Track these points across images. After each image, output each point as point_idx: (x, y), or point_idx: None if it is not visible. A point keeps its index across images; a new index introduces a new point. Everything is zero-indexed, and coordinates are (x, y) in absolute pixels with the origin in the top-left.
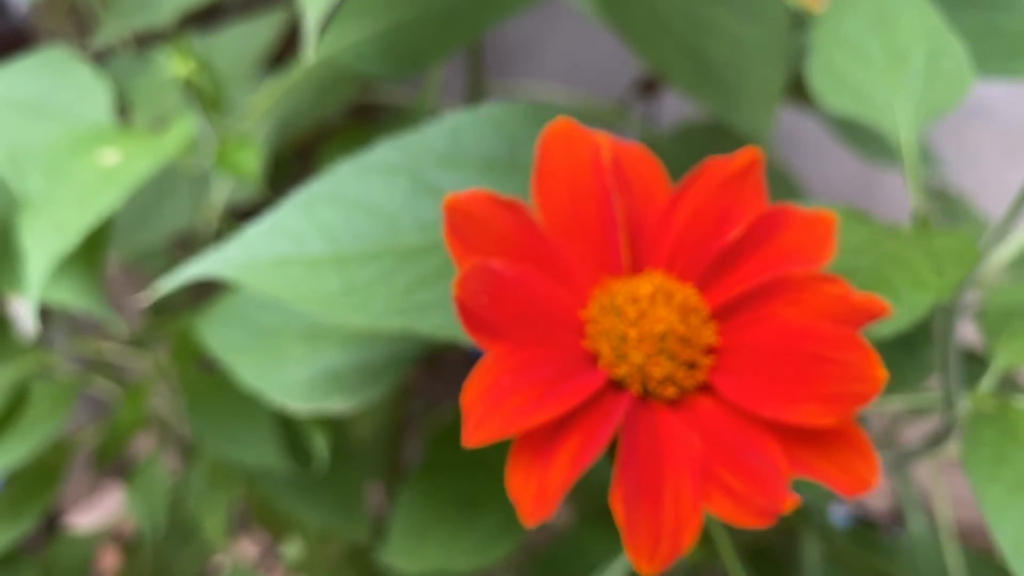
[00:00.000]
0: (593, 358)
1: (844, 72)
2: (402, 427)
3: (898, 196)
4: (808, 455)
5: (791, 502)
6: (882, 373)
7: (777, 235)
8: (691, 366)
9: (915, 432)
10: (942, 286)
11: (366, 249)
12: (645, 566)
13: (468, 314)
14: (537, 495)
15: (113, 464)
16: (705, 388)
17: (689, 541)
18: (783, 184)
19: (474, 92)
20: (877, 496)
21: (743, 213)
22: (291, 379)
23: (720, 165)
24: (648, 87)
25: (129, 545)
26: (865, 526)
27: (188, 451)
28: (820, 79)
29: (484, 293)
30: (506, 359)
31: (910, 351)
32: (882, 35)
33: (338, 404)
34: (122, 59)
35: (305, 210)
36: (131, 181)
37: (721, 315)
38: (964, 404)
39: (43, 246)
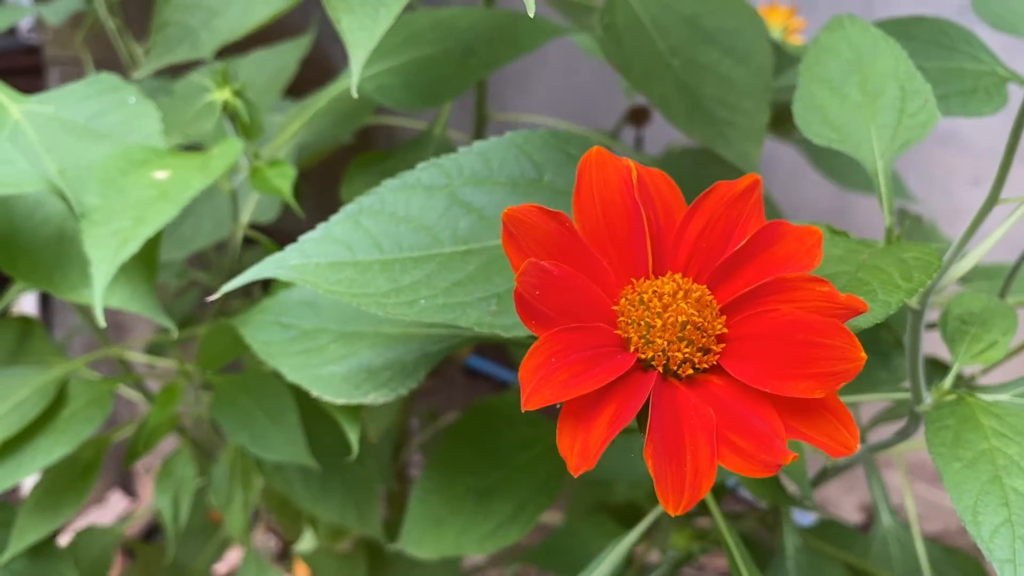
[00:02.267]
0: (623, 343)
1: (825, 107)
2: (404, 434)
3: (869, 217)
4: (801, 423)
5: (790, 457)
6: (862, 354)
7: (774, 245)
8: (705, 351)
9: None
10: (911, 288)
11: (409, 255)
12: (671, 509)
13: (524, 304)
14: (581, 451)
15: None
16: (716, 369)
17: (706, 489)
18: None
19: (478, 120)
20: (851, 510)
21: (746, 226)
22: (329, 375)
23: (727, 187)
24: (638, 115)
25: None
26: (839, 524)
27: (204, 452)
28: (803, 113)
29: (537, 287)
30: (554, 342)
31: (885, 362)
32: (859, 75)
33: (372, 398)
34: (141, 82)
35: (354, 221)
36: (184, 198)
37: (729, 310)
38: (929, 399)
39: (105, 255)
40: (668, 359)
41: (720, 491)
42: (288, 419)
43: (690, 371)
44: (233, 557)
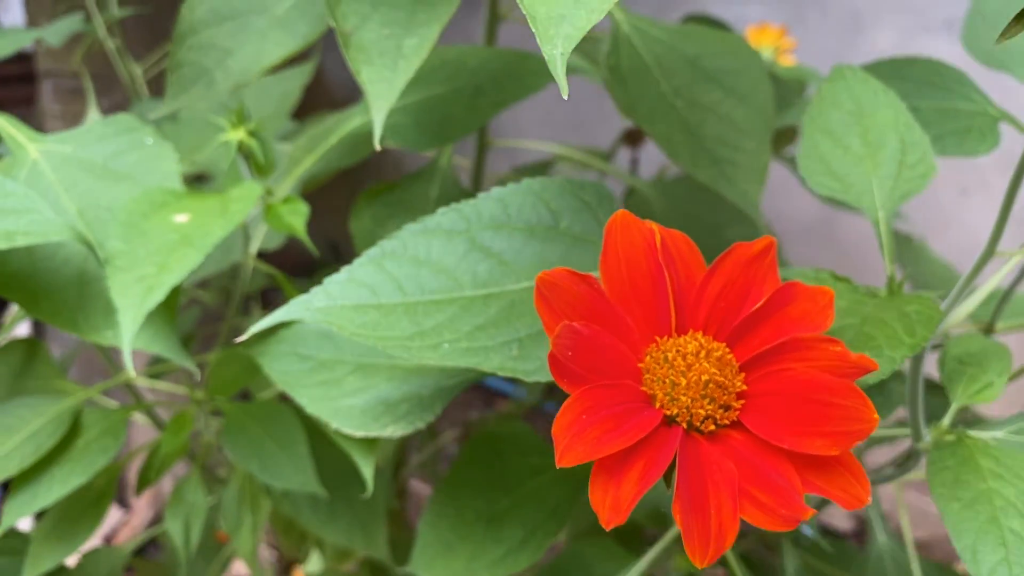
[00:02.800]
0: (649, 399)
1: (828, 158)
2: (403, 452)
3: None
4: (818, 477)
5: (808, 513)
6: (875, 415)
7: (788, 304)
8: (726, 407)
9: (878, 456)
10: (914, 343)
11: (431, 298)
12: (699, 562)
13: (557, 364)
14: (613, 506)
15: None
16: (736, 424)
17: (730, 542)
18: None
19: (480, 147)
20: (841, 518)
21: (762, 285)
22: (348, 407)
23: (744, 248)
24: (633, 136)
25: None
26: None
27: (211, 473)
28: (807, 164)
29: (569, 348)
30: (585, 399)
31: (880, 387)
32: (860, 127)
33: (391, 431)
34: (144, 102)
35: (377, 265)
36: (207, 244)
37: (747, 367)
38: (928, 436)
39: (131, 303)
40: (692, 415)
41: None
42: (297, 447)
43: (712, 427)
44: (236, 571)
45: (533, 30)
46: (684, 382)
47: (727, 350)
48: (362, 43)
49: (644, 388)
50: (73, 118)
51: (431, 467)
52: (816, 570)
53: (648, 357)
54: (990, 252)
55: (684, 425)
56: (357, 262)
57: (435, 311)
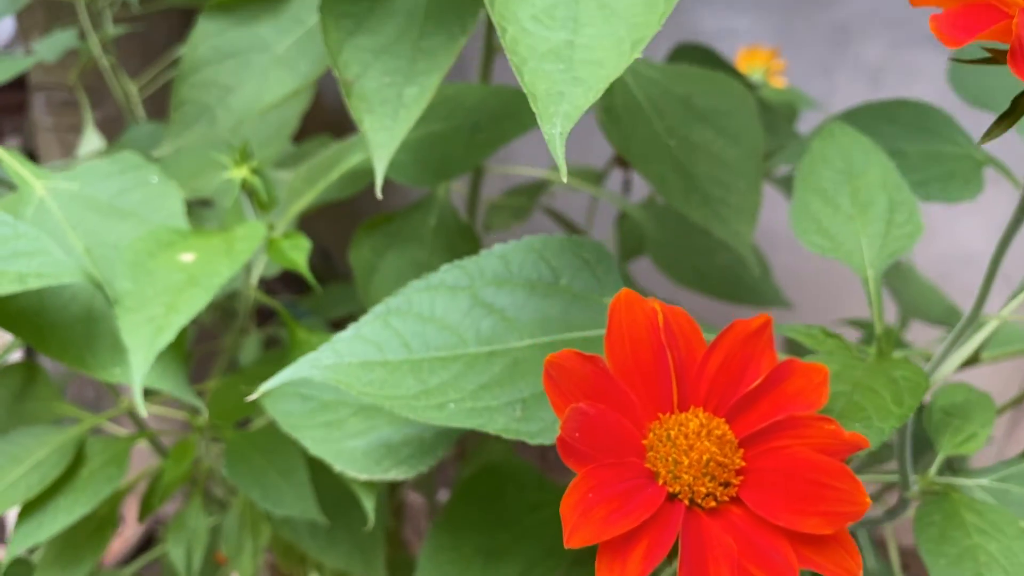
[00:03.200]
0: (652, 476)
1: (819, 216)
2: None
3: None
4: (811, 553)
5: None
6: (867, 499)
7: (785, 381)
8: (725, 484)
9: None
10: (902, 414)
11: (436, 355)
12: None
13: (565, 447)
14: None
15: None
16: (735, 500)
17: None
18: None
19: (475, 174)
20: None
21: (759, 361)
22: (350, 450)
23: (742, 325)
24: (625, 159)
25: None
26: None
27: (214, 505)
28: (799, 222)
29: (576, 430)
30: (591, 478)
31: None
32: (850, 186)
33: (393, 474)
34: (140, 127)
35: (383, 321)
36: (214, 285)
37: (746, 443)
38: (916, 485)
39: (141, 343)
40: (693, 493)
41: None
42: (298, 475)
43: (713, 503)
44: None
45: (533, 108)
46: (686, 461)
47: (727, 428)
48: (364, 92)
49: (648, 465)
50: (66, 130)
51: (427, 481)
52: None
53: (652, 434)
54: (974, 317)
55: (686, 501)
56: (363, 319)
57: (440, 368)
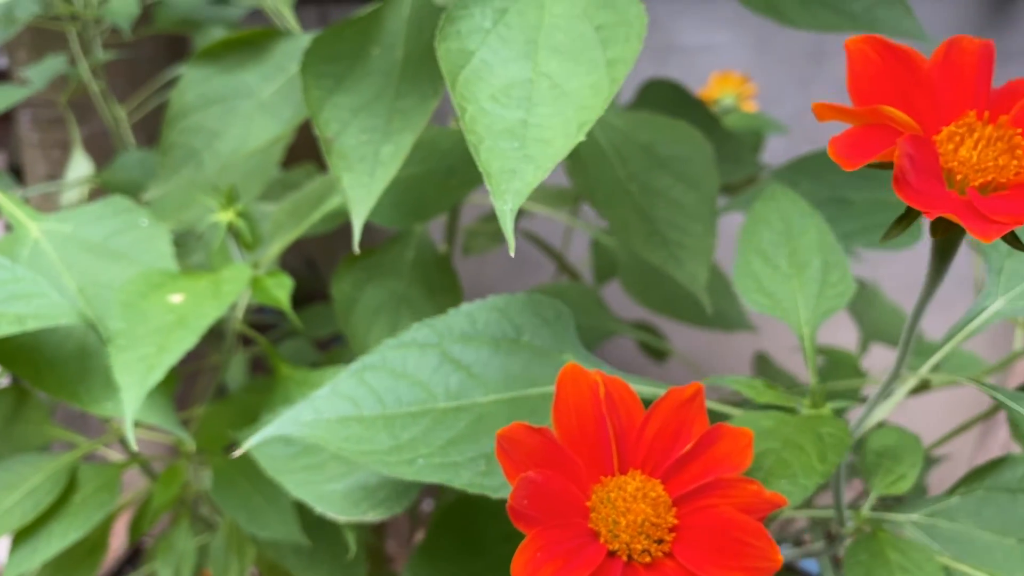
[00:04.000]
0: (595, 534)
1: (759, 276)
2: None
3: None
4: None
5: None
6: (779, 557)
7: (715, 445)
8: (659, 541)
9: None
10: (825, 471)
11: (408, 410)
12: None
13: (515, 513)
14: None
15: None
16: (668, 555)
17: None
18: (718, 281)
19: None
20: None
21: (692, 427)
22: (330, 493)
23: (677, 393)
24: None
25: None
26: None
27: (200, 523)
28: (741, 280)
29: (525, 497)
30: (539, 539)
31: None
32: (788, 247)
33: (371, 516)
34: (130, 154)
35: (359, 378)
36: (201, 326)
37: (678, 503)
38: (850, 522)
39: (133, 381)
40: (631, 550)
41: None
42: (282, 500)
43: (648, 559)
44: None
45: (487, 184)
46: (624, 522)
47: (662, 489)
48: (343, 150)
49: (591, 525)
50: (51, 146)
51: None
52: None
53: (595, 495)
54: (895, 375)
55: (624, 557)
56: (340, 376)
57: (411, 424)
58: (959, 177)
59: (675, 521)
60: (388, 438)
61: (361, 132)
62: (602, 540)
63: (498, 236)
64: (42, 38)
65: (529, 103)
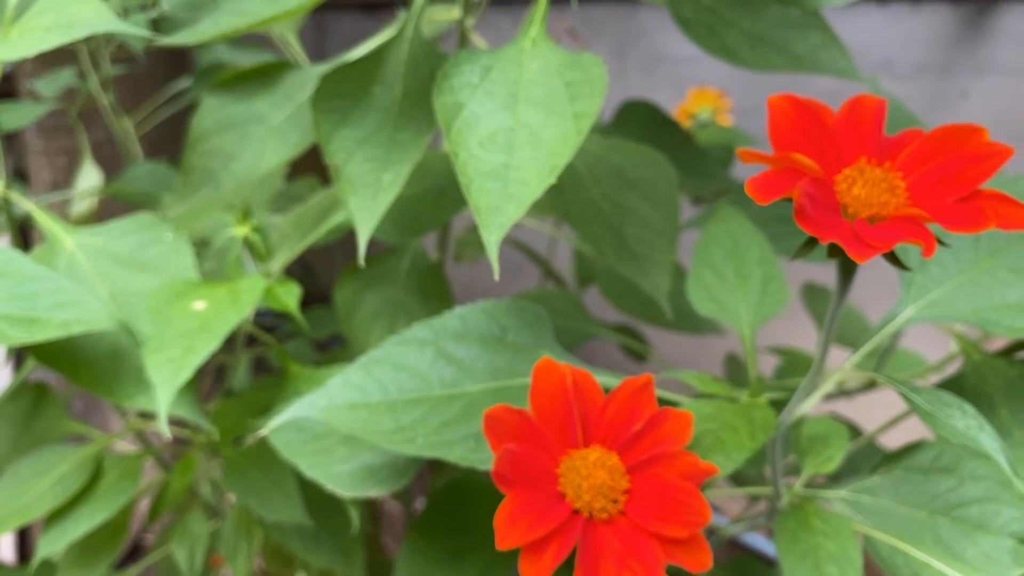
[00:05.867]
0: (562, 496)
1: (710, 286)
2: None
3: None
4: (676, 550)
5: None
6: (709, 512)
7: (661, 425)
8: (615, 501)
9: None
10: (753, 447)
11: (408, 398)
12: None
13: (498, 476)
14: (535, 574)
15: None
16: (622, 513)
17: None
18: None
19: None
20: None
21: (643, 410)
22: (338, 473)
23: (631, 382)
24: None
25: None
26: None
27: (208, 509)
28: (695, 291)
29: (507, 465)
30: (517, 498)
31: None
32: (735, 262)
33: (374, 492)
34: (140, 165)
35: (366, 369)
36: (224, 331)
37: (631, 471)
38: (785, 498)
39: (165, 379)
40: (591, 508)
41: None
42: (288, 486)
43: (605, 515)
44: None
45: (476, 218)
46: (586, 485)
47: (617, 459)
48: (350, 176)
49: (559, 488)
50: (56, 153)
51: (404, 492)
52: None
53: (563, 465)
54: (817, 371)
55: (586, 514)
56: (349, 368)
57: (411, 409)
58: (851, 210)
59: (628, 485)
60: (391, 421)
61: (365, 161)
62: (568, 500)
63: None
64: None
65: (511, 148)
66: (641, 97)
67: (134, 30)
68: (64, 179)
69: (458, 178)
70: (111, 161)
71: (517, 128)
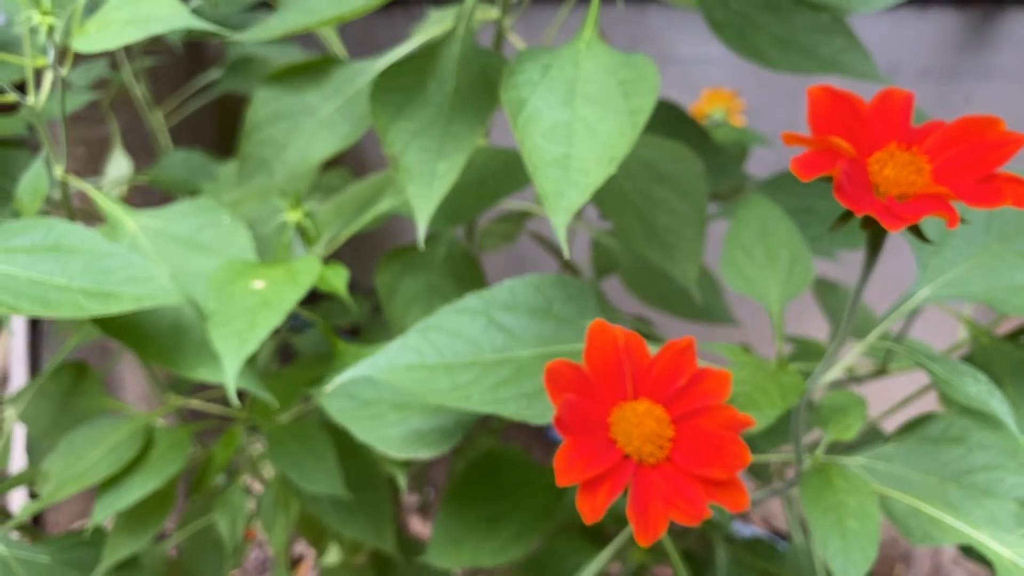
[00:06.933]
0: (614, 442)
1: (741, 265)
2: None
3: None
4: (715, 491)
5: (707, 514)
6: (748, 456)
7: (702, 382)
8: (661, 447)
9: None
10: (784, 406)
11: (462, 361)
12: (643, 543)
13: (559, 422)
14: (591, 510)
15: None
16: (668, 458)
17: (662, 532)
18: (707, 280)
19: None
20: (784, 520)
21: (685, 367)
22: (389, 436)
23: (675, 344)
24: None
25: None
26: (764, 540)
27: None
28: (726, 268)
29: (566, 412)
30: (574, 443)
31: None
32: (764, 243)
33: (423, 454)
34: (173, 154)
35: (422, 335)
36: (285, 307)
37: (675, 421)
38: (807, 461)
39: (231, 351)
40: (640, 453)
41: None
42: (328, 459)
43: (652, 460)
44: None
45: (544, 204)
46: (636, 432)
47: (663, 411)
48: (407, 165)
49: (612, 435)
50: (76, 143)
51: (419, 479)
52: (743, 562)
53: (615, 415)
54: (839, 341)
55: (636, 459)
56: (408, 333)
57: (465, 371)
58: (882, 188)
59: (672, 433)
60: (448, 381)
61: (420, 151)
62: (619, 446)
63: (509, 235)
64: None
65: (570, 140)
66: None
67: (211, 27)
68: (84, 168)
69: (525, 166)
70: (133, 150)
71: (575, 122)
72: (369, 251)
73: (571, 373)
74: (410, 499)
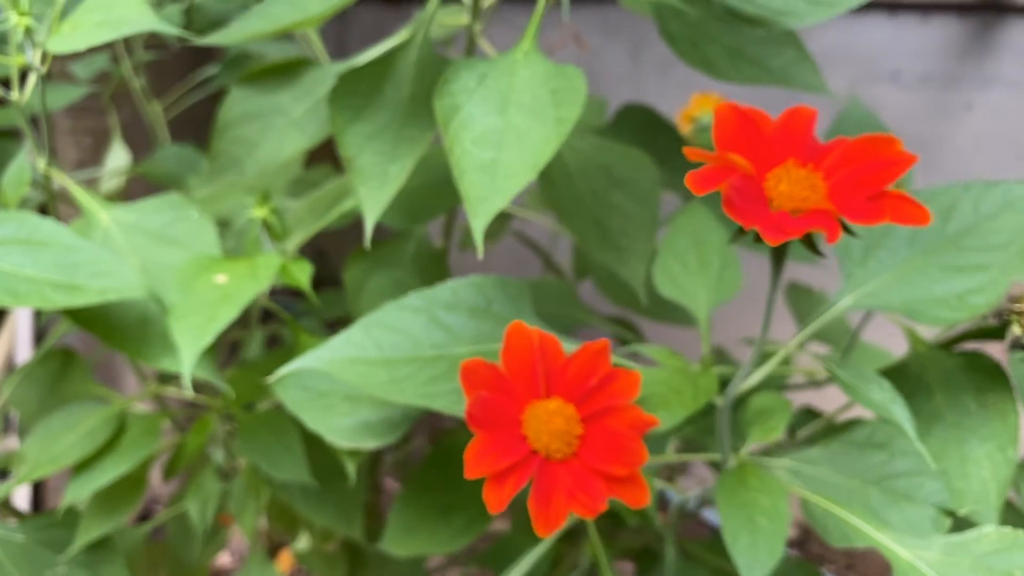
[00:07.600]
0: (525, 438)
1: (673, 272)
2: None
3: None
4: (616, 487)
5: (605, 508)
6: (646, 455)
7: (614, 382)
8: (569, 444)
9: None
10: (694, 406)
11: (401, 356)
12: (541, 534)
13: (470, 418)
14: (496, 501)
15: None
16: (575, 455)
17: (561, 523)
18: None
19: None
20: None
21: (598, 368)
22: (338, 426)
23: (590, 346)
24: None
25: None
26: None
27: (220, 473)
28: (660, 276)
29: (478, 408)
30: (485, 438)
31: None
32: (697, 251)
33: (370, 444)
34: (167, 148)
35: (365, 330)
36: (243, 301)
37: (584, 420)
38: (732, 461)
39: (189, 343)
40: (548, 449)
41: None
42: (295, 448)
43: (559, 456)
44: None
45: (466, 208)
46: (545, 429)
47: (574, 410)
48: (361, 167)
49: (523, 431)
50: (82, 133)
51: (403, 467)
52: (697, 559)
53: (527, 411)
54: (759, 349)
55: (544, 454)
56: (352, 327)
57: (404, 365)
58: (776, 203)
59: (580, 431)
60: (386, 375)
61: (374, 154)
62: (529, 442)
63: (492, 235)
64: None
65: (500, 146)
66: (653, 99)
67: (172, 29)
68: (90, 158)
69: (452, 171)
70: (134, 143)
71: (507, 129)
72: (357, 246)
73: (486, 372)
74: (393, 487)
